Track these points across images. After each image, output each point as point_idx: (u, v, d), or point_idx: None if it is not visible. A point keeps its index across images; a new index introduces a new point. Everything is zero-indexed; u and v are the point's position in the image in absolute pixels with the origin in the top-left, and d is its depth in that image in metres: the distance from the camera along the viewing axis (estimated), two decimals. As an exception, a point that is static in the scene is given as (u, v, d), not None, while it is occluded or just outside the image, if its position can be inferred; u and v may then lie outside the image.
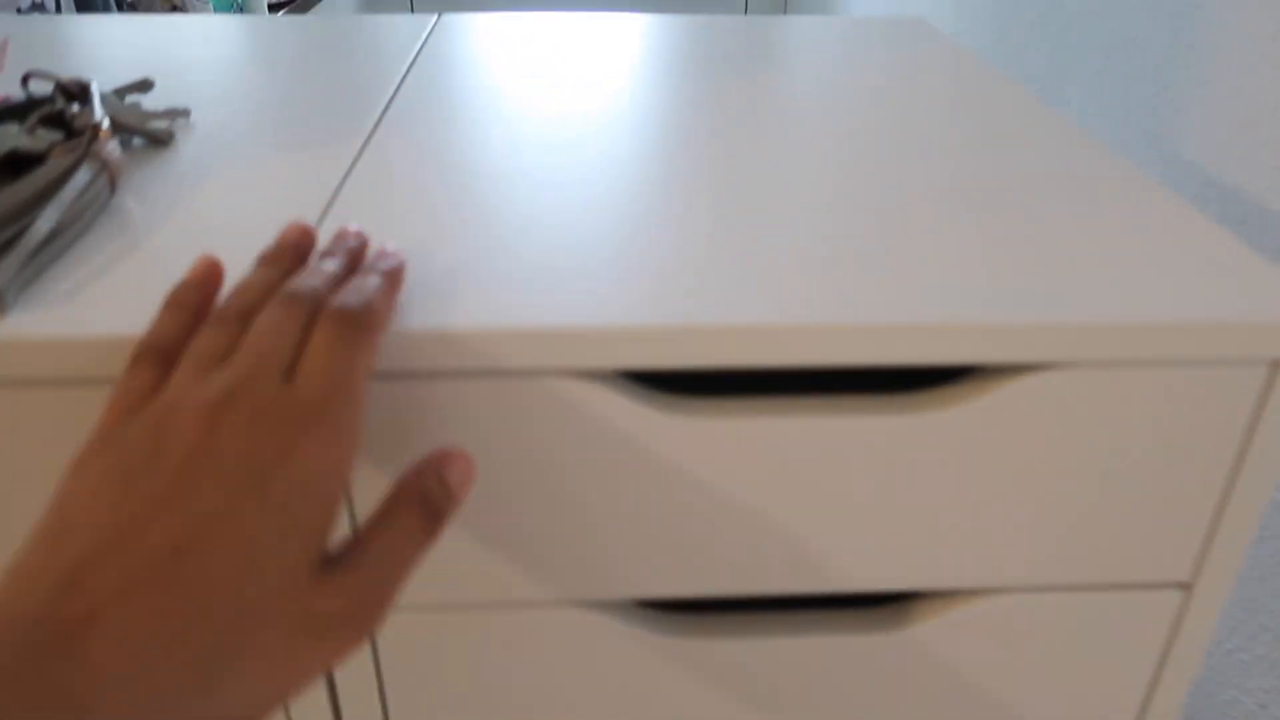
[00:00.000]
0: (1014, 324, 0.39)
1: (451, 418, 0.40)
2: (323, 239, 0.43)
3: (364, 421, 0.34)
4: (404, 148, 0.55)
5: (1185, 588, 0.47)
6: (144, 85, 0.59)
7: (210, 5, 1.94)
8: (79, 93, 0.52)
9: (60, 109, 0.50)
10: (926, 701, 0.50)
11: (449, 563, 0.44)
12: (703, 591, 0.46)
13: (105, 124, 0.49)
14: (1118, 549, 0.46)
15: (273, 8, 2.09)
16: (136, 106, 0.57)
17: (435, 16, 0.87)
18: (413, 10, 2.90)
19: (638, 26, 0.85)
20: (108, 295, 0.39)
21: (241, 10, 2.04)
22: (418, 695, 0.48)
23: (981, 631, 0.48)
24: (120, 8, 1.88)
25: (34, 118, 0.49)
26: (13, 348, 0.37)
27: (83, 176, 0.45)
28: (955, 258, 0.43)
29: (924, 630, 0.48)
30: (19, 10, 1.38)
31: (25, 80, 0.53)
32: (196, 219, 0.46)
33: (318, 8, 2.27)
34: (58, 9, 1.46)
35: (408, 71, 0.70)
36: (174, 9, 1.89)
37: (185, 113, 0.59)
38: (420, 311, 0.38)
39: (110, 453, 0.31)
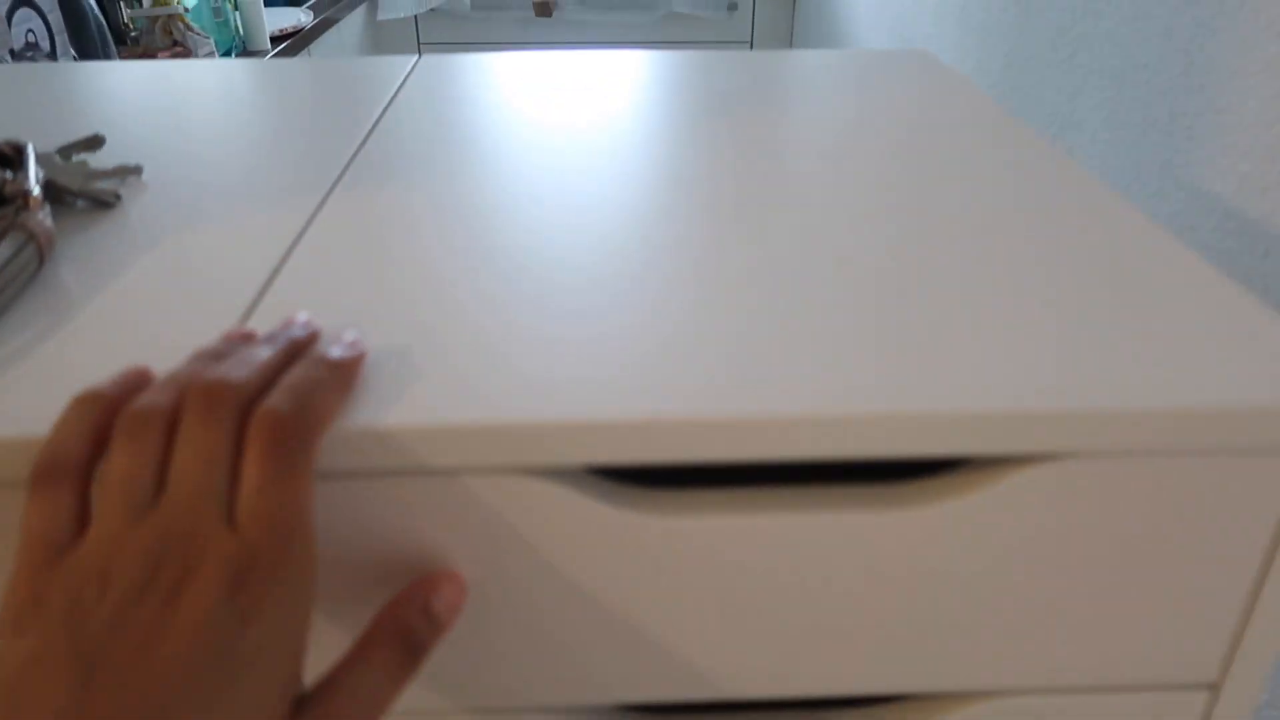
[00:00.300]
0: (1006, 413, 0.35)
1: (393, 519, 0.36)
2: (262, 323, 0.40)
3: (317, 551, 0.31)
4: (361, 211, 0.52)
5: (1213, 689, 0.43)
6: (94, 142, 0.56)
7: (213, 40, 1.93)
8: (14, 155, 0.49)
9: (-8, 176, 0.47)
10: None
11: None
12: (676, 697, 0.42)
13: (36, 191, 0.46)
14: (1137, 649, 0.41)
15: (276, 40, 2.08)
16: (83, 165, 0.54)
17: (415, 58, 0.84)
18: (419, 45, 2.89)
19: (636, 64, 0.81)
20: (24, 386, 0.36)
21: (244, 44, 2.03)
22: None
23: (987, 737, 0.43)
24: (123, 43, 1.87)
25: (-40, 185, 0.46)
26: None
27: (4, 250, 0.42)
28: (949, 338, 0.39)
29: (924, 736, 0.43)
30: (12, 52, 1.36)
31: (-41, 143, 0.50)
32: (130, 296, 0.43)
33: (321, 41, 2.26)
34: (51, 51, 1.44)
35: (378, 120, 0.67)
36: (175, 44, 1.88)
37: (137, 170, 0.55)
38: (353, 406, 0.35)
39: (53, 625, 0.28)
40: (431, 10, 2.88)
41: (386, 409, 0.34)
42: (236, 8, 2.01)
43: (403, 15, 2.82)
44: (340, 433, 0.34)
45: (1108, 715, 0.43)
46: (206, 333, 0.39)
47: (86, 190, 0.51)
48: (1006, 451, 0.36)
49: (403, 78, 0.78)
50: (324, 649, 0.39)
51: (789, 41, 3.05)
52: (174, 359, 0.35)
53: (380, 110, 0.69)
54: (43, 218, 0.45)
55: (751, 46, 3.12)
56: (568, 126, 0.65)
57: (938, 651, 0.41)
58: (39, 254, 0.44)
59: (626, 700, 0.42)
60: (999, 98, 1.26)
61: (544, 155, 0.59)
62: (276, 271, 0.45)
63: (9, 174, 0.47)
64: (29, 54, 1.40)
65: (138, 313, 0.41)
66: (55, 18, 1.46)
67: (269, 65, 0.82)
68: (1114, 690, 0.43)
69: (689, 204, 0.52)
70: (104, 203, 0.52)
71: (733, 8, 2.97)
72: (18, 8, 1.38)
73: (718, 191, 0.54)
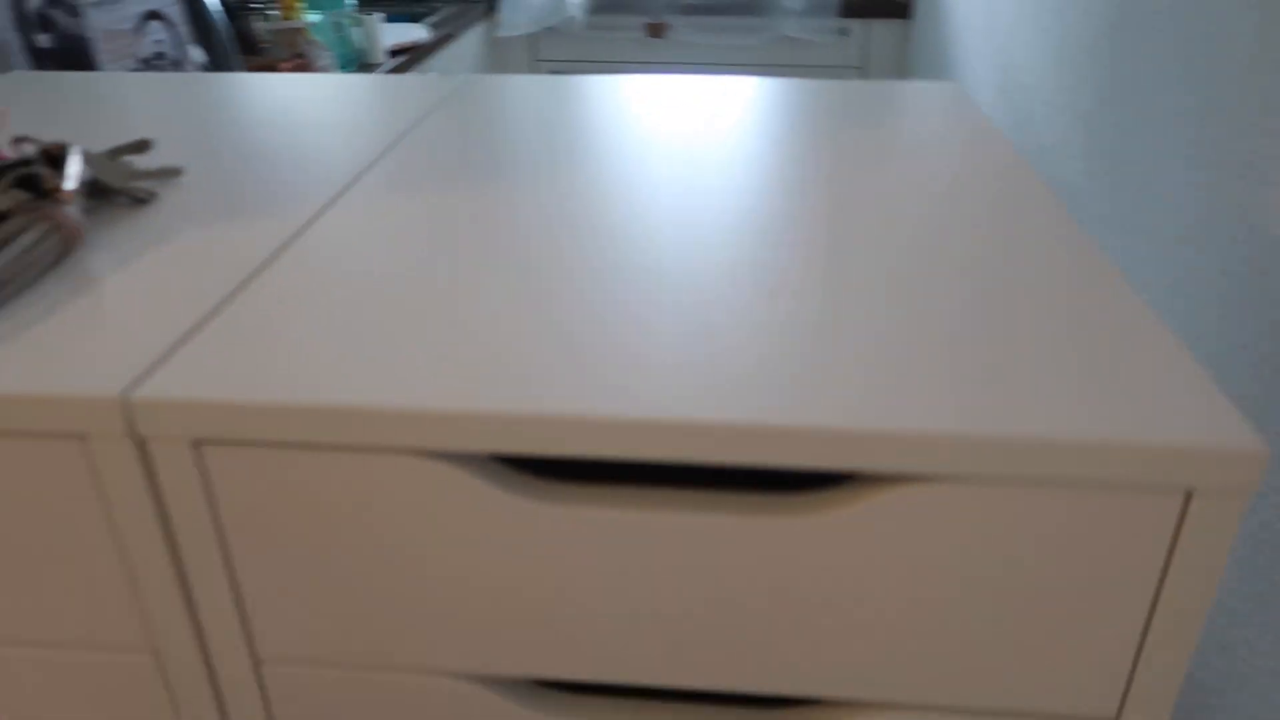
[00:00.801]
0: (890, 433, 0.37)
1: (319, 488, 0.40)
2: (252, 297, 0.44)
3: None
4: (362, 214, 0.56)
5: (1110, 724, 0.43)
6: (140, 146, 0.62)
7: (332, 54, 2.05)
8: (61, 155, 0.55)
9: (36, 171, 0.53)
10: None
11: (330, 622, 0.44)
12: (570, 676, 0.44)
13: (69, 186, 0.52)
14: (1033, 677, 0.42)
15: (394, 54, 2.19)
16: (129, 166, 0.60)
17: (492, 78, 0.89)
18: (535, 62, 2.98)
19: (666, 87, 0.85)
20: (22, 354, 0.42)
21: (362, 58, 2.15)
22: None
23: (885, 750, 0.45)
24: (252, 53, 2.00)
25: (8, 178, 0.52)
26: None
27: (28, 238, 0.48)
28: (868, 362, 0.41)
29: (821, 743, 0.45)
30: (142, 60, 1.48)
31: (16, 143, 0.57)
32: (134, 284, 0.48)
33: (440, 55, 2.37)
34: (177, 67, 1.56)
35: (403, 135, 0.72)
36: (297, 56, 2.01)
37: (177, 172, 0.62)
38: (296, 386, 0.39)
39: None
40: (548, 29, 2.97)
41: (324, 389, 0.38)
42: (358, 24, 2.13)
43: (520, 33, 2.92)
44: (263, 406, 0.38)
45: (1005, 741, 0.44)
46: (182, 308, 0.44)
47: (126, 188, 0.58)
48: (881, 470, 0.37)
49: (445, 95, 0.83)
50: (265, 601, 0.43)
51: (902, 68, 3.03)
52: (153, 333, 0.40)
53: (409, 126, 0.74)
54: (71, 210, 0.51)
55: (863, 71, 3.11)
56: (585, 146, 0.69)
57: (817, 656, 0.42)
58: (63, 241, 0.50)
59: (530, 674, 0.45)
60: (1089, 132, 1.25)
61: (552, 171, 0.63)
62: (270, 261, 0.50)
63: (50, 171, 0.53)
64: (156, 63, 1.53)
65: (137, 291, 0.46)
66: (184, 30, 1.59)
67: (352, 81, 0.88)
68: (1014, 716, 0.43)
69: (638, 222, 0.55)
70: (140, 199, 0.58)
71: (844, 33, 2.97)
72: (147, 20, 1.50)
73: (673, 214, 0.56)
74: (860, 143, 0.69)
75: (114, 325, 0.44)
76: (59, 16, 1.41)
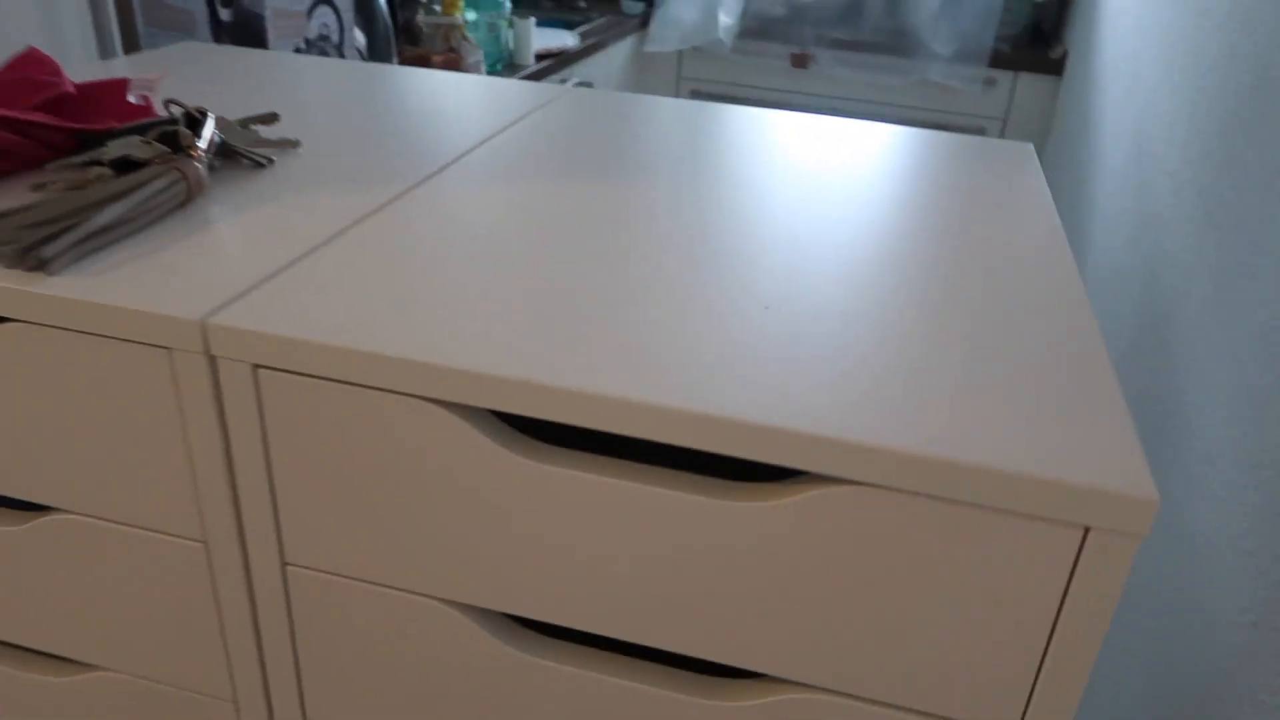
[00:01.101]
0: (826, 439, 0.42)
1: (348, 420, 0.48)
2: (325, 254, 0.53)
3: None
4: (443, 195, 0.65)
5: (1012, 740, 0.47)
6: (268, 118, 0.72)
7: (482, 52, 2.18)
8: (200, 117, 0.65)
9: (176, 129, 0.63)
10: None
11: (340, 537, 0.52)
12: (542, 616, 0.51)
13: (201, 145, 0.62)
14: (940, 680, 0.46)
15: (541, 57, 2.31)
16: (255, 133, 0.70)
17: (604, 93, 0.97)
18: (679, 79, 3.07)
19: (799, 127, 0.90)
20: (134, 277, 0.51)
21: (511, 59, 2.28)
22: (326, 648, 0.56)
23: (807, 730, 0.50)
24: (411, 43, 2.15)
25: (153, 132, 0.62)
26: (64, 305, 0.49)
27: (159, 184, 0.57)
28: (835, 377, 0.46)
29: (740, 706, 0.50)
30: (307, 41, 1.63)
31: (167, 104, 0.68)
32: (220, 246, 0.57)
33: (585, 63, 2.47)
34: (340, 44, 1.71)
35: (489, 138, 0.80)
36: (450, 50, 2.14)
37: (295, 144, 0.71)
38: (355, 333, 0.47)
39: None
40: (695, 49, 3.05)
41: (373, 340, 0.46)
42: (511, 26, 2.26)
43: (668, 49, 3.01)
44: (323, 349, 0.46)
45: (916, 739, 0.48)
46: (267, 257, 0.53)
47: (249, 152, 0.67)
48: (817, 469, 0.43)
49: (541, 105, 0.91)
50: (296, 511, 0.51)
51: (1046, 125, 2.99)
52: (240, 273, 0.49)
53: (508, 124, 0.82)
54: (199, 166, 0.61)
55: (1005, 124, 3.08)
56: (669, 163, 0.75)
57: (750, 629, 0.48)
58: (186, 191, 0.59)
59: (507, 610, 0.51)
60: (1204, 208, 1.25)
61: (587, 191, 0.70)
62: (349, 227, 0.58)
63: (188, 131, 0.63)
64: (320, 44, 1.67)
65: (236, 238, 0.55)
66: (348, 16, 1.73)
67: (471, 79, 0.97)
68: (915, 714, 0.48)
69: (664, 235, 0.61)
70: (259, 163, 0.67)
71: (991, 83, 2.95)
72: (317, 5, 1.65)
73: (702, 225, 0.62)
74: (903, 187, 0.73)
75: (211, 263, 0.53)
76: (241, -6, 1.56)
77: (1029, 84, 2.96)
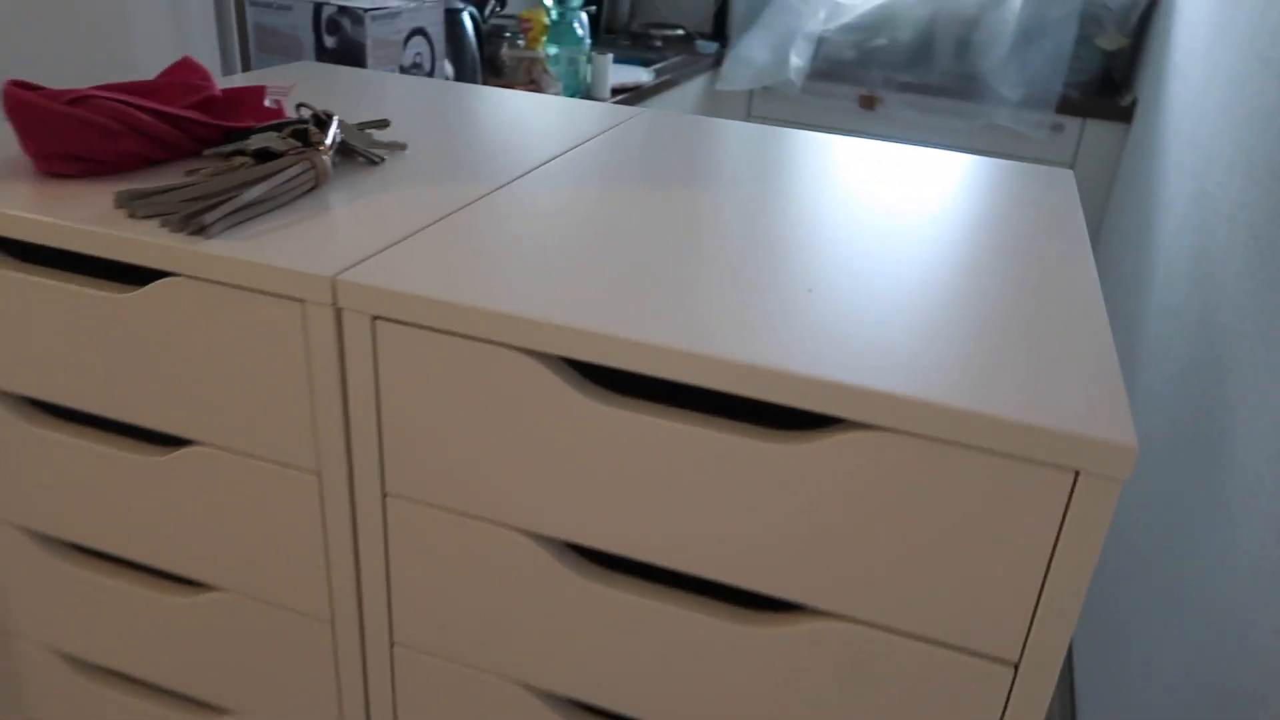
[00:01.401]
0: (851, 385, 0.49)
1: (446, 364, 0.57)
2: (434, 232, 0.62)
3: None
4: (537, 189, 0.74)
5: (1013, 666, 0.53)
6: (381, 124, 0.82)
7: (562, 84, 2.30)
8: (325, 119, 0.76)
9: (306, 127, 0.73)
10: (773, 703, 0.59)
11: (437, 468, 0.60)
12: (600, 546, 0.59)
13: (327, 141, 0.72)
14: (948, 611, 0.53)
15: (616, 92, 2.42)
16: (369, 135, 0.80)
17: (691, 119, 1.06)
18: (749, 117, 3.17)
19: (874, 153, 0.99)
20: (275, 243, 0.60)
21: (588, 92, 2.39)
22: (418, 574, 0.65)
23: (830, 652, 0.56)
24: (495, 74, 2.28)
25: (287, 129, 0.73)
26: (221, 262, 0.58)
27: (294, 170, 0.67)
28: (856, 337, 0.54)
29: (775, 633, 0.57)
30: (401, 67, 1.75)
31: (298, 108, 0.78)
32: (344, 222, 0.67)
33: (658, 99, 2.58)
34: (431, 70, 1.83)
35: (571, 148, 0.89)
36: (531, 82, 2.27)
37: (403, 146, 0.81)
38: (459, 290, 0.56)
39: None
40: (765, 88, 3.14)
41: (475, 295, 0.55)
42: (589, 61, 2.38)
43: (739, 88, 3.11)
44: (425, 301, 0.55)
45: (929, 666, 0.55)
46: (384, 231, 0.62)
47: (365, 150, 0.77)
48: (841, 414, 0.50)
49: (614, 125, 1.00)
50: (397, 446, 0.60)
51: (1112, 172, 3.01)
52: (362, 243, 0.58)
53: (590, 137, 0.91)
54: (325, 158, 0.71)
55: (1073, 169, 3.11)
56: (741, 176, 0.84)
57: (788, 561, 0.55)
58: (315, 178, 0.69)
59: (552, 534, 0.59)
60: (1260, 254, 1.29)
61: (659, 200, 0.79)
62: (452, 213, 0.67)
63: (316, 129, 0.73)
64: (413, 71, 1.79)
65: (357, 218, 0.65)
66: (440, 47, 1.86)
67: (556, 100, 1.07)
68: (931, 643, 0.54)
69: (734, 224, 0.69)
70: (373, 160, 0.77)
71: (1058, 128, 2.99)
72: (412, 35, 1.78)
73: (757, 225, 0.70)
74: (938, 198, 0.80)
75: (337, 235, 0.62)
76: (345, 23, 1.70)
77: (1097, 130, 2.99)
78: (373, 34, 1.73)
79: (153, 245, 0.59)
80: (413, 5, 1.82)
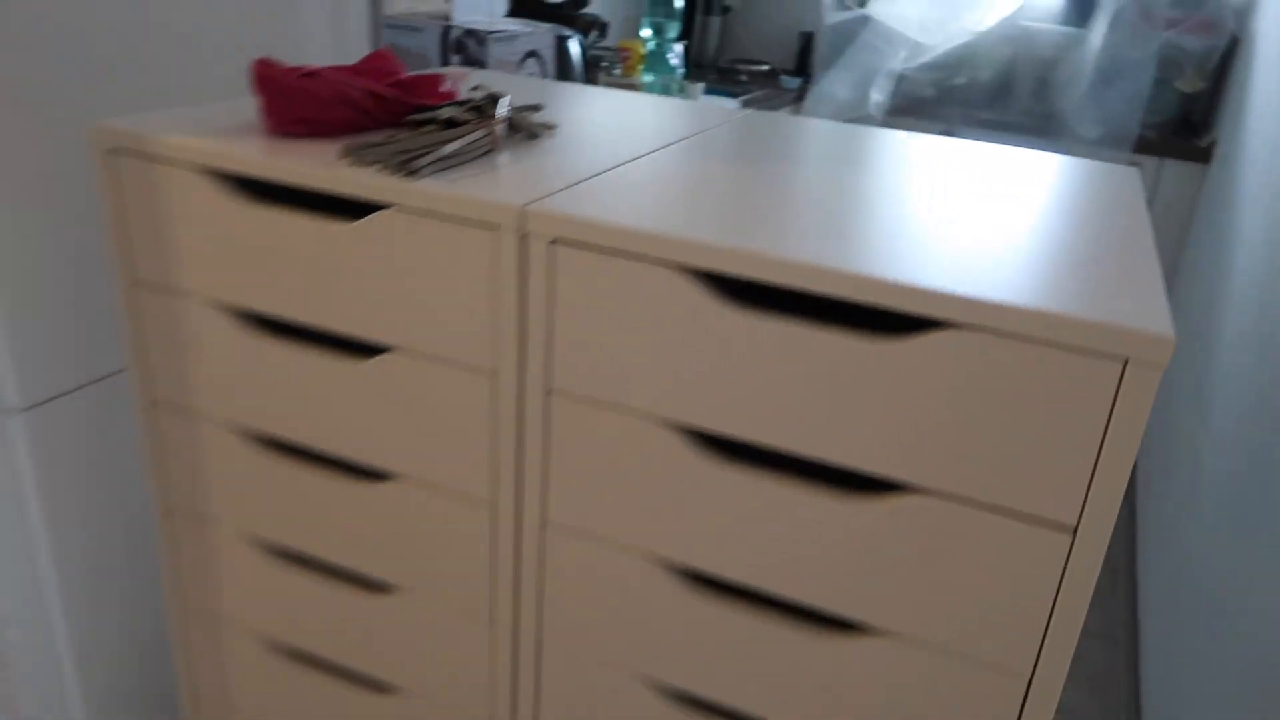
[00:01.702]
0: (929, 289, 0.62)
1: (611, 277, 0.71)
2: (592, 182, 0.77)
3: None
4: (669, 158, 0.88)
5: (1071, 531, 0.64)
6: (536, 107, 0.98)
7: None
8: (496, 99, 0.91)
9: (482, 104, 0.88)
10: (870, 566, 0.71)
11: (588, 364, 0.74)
12: (718, 429, 0.71)
13: (500, 116, 0.87)
14: (1020, 484, 0.65)
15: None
16: (528, 116, 0.95)
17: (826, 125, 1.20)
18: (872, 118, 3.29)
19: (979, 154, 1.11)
20: (471, 184, 0.75)
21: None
22: (571, 471, 0.78)
23: (917, 523, 0.68)
24: (591, 71, 2.45)
25: (467, 104, 0.88)
26: (433, 195, 0.73)
27: (475, 135, 0.83)
28: (944, 256, 0.66)
29: (872, 508, 0.69)
30: (518, 64, 1.93)
31: (472, 89, 0.93)
32: (520, 173, 0.82)
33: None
34: (544, 71, 2.01)
35: (689, 135, 1.03)
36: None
37: (554, 126, 0.96)
38: (619, 213, 0.70)
39: None
40: (846, 122, 3.27)
41: (635, 219, 0.69)
42: (681, 90, 2.54)
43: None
44: (592, 225, 0.69)
45: (992, 533, 0.66)
46: (552, 180, 0.77)
47: (527, 127, 0.92)
48: (918, 312, 0.62)
49: (721, 122, 1.14)
50: (563, 345, 0.74)
51: (1191, 207, 3.05)
52: (537, 187, 0.73)
53: (708, 127, 1.05)
54: (500, 129, 0.86)
55: (1150, 207, 3.17)
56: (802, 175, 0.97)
57: (887, 443, 0.67)
58: (493, 142, 0.84)
59: (689, 424, 0.72)
60: None
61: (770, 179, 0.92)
62: (605, 170, 0.82)
63: (490, 105, 0.89)
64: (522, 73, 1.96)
65: (528, 172, 0.80)
66: (551, 68, 2.03)
67: (672, 103, 1.22)
68: (1003, 513, 0.66)
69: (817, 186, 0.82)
70: (533, 134, 0.93)
71: (1133, 165, 3.05)
72: (527, 58, 1.95)
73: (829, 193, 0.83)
74: (1013, 181, 0.92)
75: (517, 181, 0.77)
76: (470, 44, 1.88)
77: (1174, 170, 3.04)
78: (494, 54, 1.91)
79: (376, 183, 0.75)
80: (529, 30, 2.00)
